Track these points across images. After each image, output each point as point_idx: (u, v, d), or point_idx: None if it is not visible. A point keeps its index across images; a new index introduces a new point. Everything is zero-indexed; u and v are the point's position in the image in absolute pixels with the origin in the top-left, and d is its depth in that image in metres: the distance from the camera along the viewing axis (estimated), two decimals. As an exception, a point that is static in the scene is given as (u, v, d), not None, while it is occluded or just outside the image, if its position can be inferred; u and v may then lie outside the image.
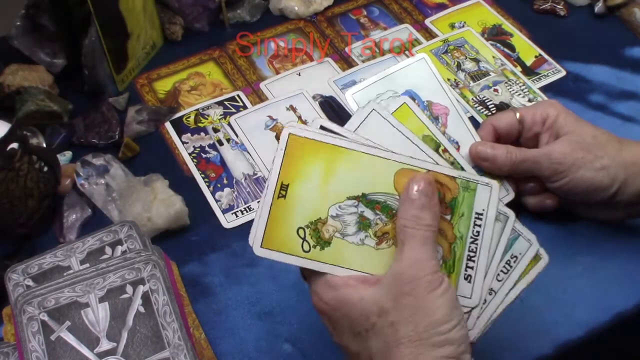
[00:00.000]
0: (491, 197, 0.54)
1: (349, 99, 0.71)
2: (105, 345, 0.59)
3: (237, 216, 0.76)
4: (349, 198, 0.52)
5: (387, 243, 0.52)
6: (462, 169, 0.59)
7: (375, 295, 0.50)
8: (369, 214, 0.52)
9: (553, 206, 0.70)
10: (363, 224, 0.52)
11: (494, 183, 0.54)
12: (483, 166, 0.70)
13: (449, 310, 0.49)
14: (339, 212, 0.52)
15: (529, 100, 0.85)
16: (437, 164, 0.55)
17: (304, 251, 0.51)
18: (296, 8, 0.98)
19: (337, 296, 0.51)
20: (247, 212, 0.76)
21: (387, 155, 0.53)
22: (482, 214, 0.54)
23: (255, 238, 0.51)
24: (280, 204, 0.52)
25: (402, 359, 0.48)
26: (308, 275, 0.54)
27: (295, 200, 0.52)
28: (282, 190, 0.52)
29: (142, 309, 0.61)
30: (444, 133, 0.71)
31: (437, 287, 0.49)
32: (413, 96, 0.72)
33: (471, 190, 0.54)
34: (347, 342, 0.52)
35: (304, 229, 0.51)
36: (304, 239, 0.51)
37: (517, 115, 0.71)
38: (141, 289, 0.62)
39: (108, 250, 0.66)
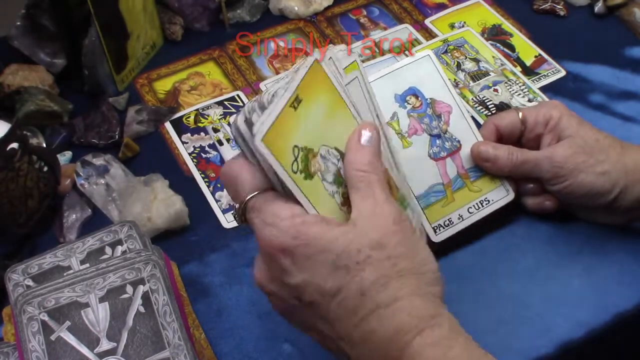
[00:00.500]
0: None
1: None
2: (105, 345, 0.59)
3: (237, 216, 0.76)
4: (336, 149, 0.52)
5: (348, 209, 0.51)
6: (378, 114, 0.58)
7: (360, 232, 0.48)
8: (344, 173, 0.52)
9: (552, 208, 0.70)
10: (338, 179, 0.52)
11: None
12: (484, 167, 0.70)
13: (428, 251, 0.51)
14: (326, 155, 0.51)
15: (529, 100, 0.85)
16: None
17: (292, 171, 0.49)
18: (296, 8, 0.98)
19: (314, 229, 0.48)
20: (247, 212, 0.76)
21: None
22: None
23: (259, 130, 0.47)
24: (290, 112, 0.49)
25: (404, 289, 0.48)
26: (263, 207, 0.49)
27: (302, 118, 0.50)
28: (296, 102, 0.50)
29: (142, 309, 0.61)
30: (445, 132, 0.71)
31: (414, 229, 0.51)
32: (416, 93, 0.72)
33: (402, 207, 0.56)
34: (320, 279, 0.48)
35: (298, 149, 0.49)
36: (295, 159, 0.49)
37: (520, 115, 0.70)
38: (141, 289, 0.62)
39: (108, 250, 0.66)
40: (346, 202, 0.51)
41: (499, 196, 0.71)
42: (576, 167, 0.65)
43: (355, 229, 0.49)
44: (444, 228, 0.69)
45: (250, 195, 0.49)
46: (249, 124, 0.48)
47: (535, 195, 0.71)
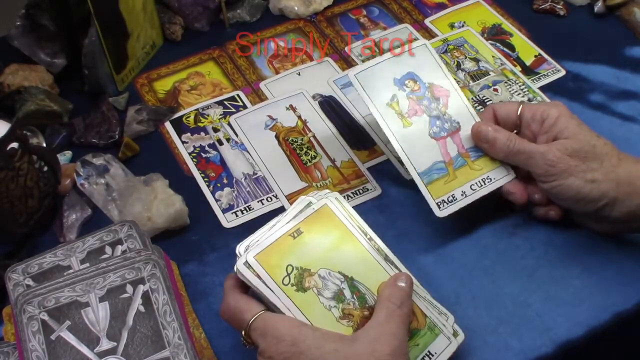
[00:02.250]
0: (448, 348, 0.60)
1: (352, 79, 0.72)
2: (105, 344, 0.59)
3: (237, 216, 0.76)
4: (340, 273, 0.60)
5: (348, 322, 0.58)
6: (387, 255, 0.63)
7: (355, 353, 0.53)
8: (347, 293, 0.59)
9: (556, 217, 0.70)
10: (339, 297, 0.59)
11: (455, 341, 0.61)
12: (482, 147, 0.71)
13: None
14: (326, 276, 0.59)
15: (529, 100, 0.85)
16: (419, 295, 0.62)
17: (283, 283, 0.58)
18: (296, 8, 0.98)
19: (310, 340, 0.54)
20: (247, 211, 0.76)
21: (385, 266, 0.62)
22: (433, 355, 0.60)
23: (252, 249, 0.58)
24: (288, 240, 0.60)
25: None
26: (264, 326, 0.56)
27: (300, 246, 0.60)
28: (296, 233, 0.61)
29: (142, 309, 0.61)
30: (444, 114, 0.73)
31: None
32: (415, 78, 0.74)
33: (434, 334, 0.61)
34: None
35: (292, 268, 0.59)
36: (288, 275, 0.58)
37: (520, 108, 0.70)
38: (141, 288, 0.62)
39: (108, 249, 0.66)
40: (345, 317, 0.58)
41: (500, 175, 0.71)
42: (567, 169, 0.65)
43: (353, 347, 0.54)
44: (447, 204, 0.69)
45: (251, 320, 0.56)
46: (246, 248, 0.60)
47: (542, 205, 0.71)
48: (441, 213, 0.69)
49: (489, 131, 0.70)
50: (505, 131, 0.70)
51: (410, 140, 0.71)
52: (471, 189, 0.70)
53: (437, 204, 0.69)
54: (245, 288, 0.59)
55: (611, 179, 0.64)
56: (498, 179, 0.71)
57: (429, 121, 0.72)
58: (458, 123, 0.73)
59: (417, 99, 0.73)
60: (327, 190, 0.66)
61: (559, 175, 0.66)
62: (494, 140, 0.69)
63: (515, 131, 0.71)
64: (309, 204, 0.63)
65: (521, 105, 0.71)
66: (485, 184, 0.71)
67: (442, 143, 0.72)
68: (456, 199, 0.69)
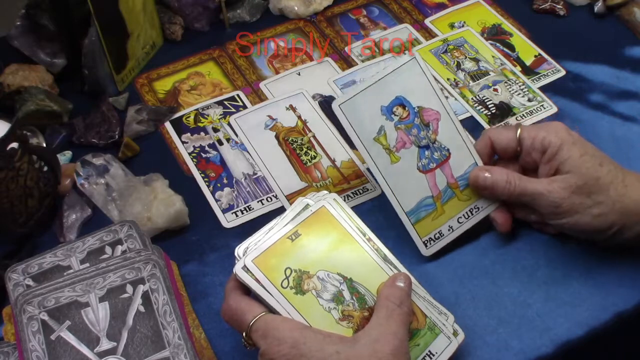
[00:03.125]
0: (448, 348, 0.61)
1: (336, 111, 0.68)
2: (105, 344, 0.59)
3: (237, 216, 0.76)
4: (339, 274, 0.60)
5: (347, 323, 0.58)
6: (386, 255, 0.63)
7: (357, 353, 0.53)
8: (346, 294, 0.59)
9: (554, 232, 0.70)
10: (338, 298, 0.59)
11: (455, 340, 0.61)
12: (482, 194, 0.70)
13: None
14: (325, 278, 0.60)
15: (529, 100, 0.85)
16: (419, 295, 0.62)
17: (282, 286, 0.58)
18: (296, 8, 0.98)
19: (312, 342, 0.54)
20: (247, 211, 0.76)
21: (384, 267, 0.62)
22: (434, 355, 0.60)
23: (250, 253, 0.59)
24: (286, 242, 0.60)
25: None
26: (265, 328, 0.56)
27: (298, 248, 0.60)
28: (294, 235, 0.61)
29: (142, 309, 0.61)
30: (434, 141, 0.71)
31: None
32: (403, 103, 0.71)
33: (434, 333, 0.61)
34: None
35: (291, 271, 0.59)
36: (286, 278, 0.58)
37: (518, 133, 0.68)
38: (141, 288, 0.62)
39: (108, 249, 0.66)
40: (345, 318, 0.58)
41: (487, 202, 0.71)
42: (572, 207, 0.64)
43: (354, 348, 0.54)
44: (434, 241, 0.69)
45: (252, 321, 0.56)
46: (244, 250, 0.60)
47: (538, 223, 0.71)
48: (428, 252, 0.69)
49: (486, 178, 0.68)
50: (502, 172, 0.68)
51: (398, 176, 0.69)
52: (458, 222, 0.70)
53: (423, 242, 0.69)
54: (247, 289, 0.59)
55: (618, 209, 0.63)
56: (485, 207, 0.71)
57: (418, 153, 0.70)
58: (448, 150, 0.71)
59: (406, 128, 0.70)
60: (326, 192, 0.65)
61: (565, 214, 0.64)
62: (492, 186, 0.68)
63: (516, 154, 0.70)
64: (307, 206, 0.63)
65: (519, 131, 0.68)
66: (472, 214, 0.71)
67: (430, 176, 0.70)
68: (443, 235, 0.70)
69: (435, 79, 0.77)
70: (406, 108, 0.71)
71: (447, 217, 0.70)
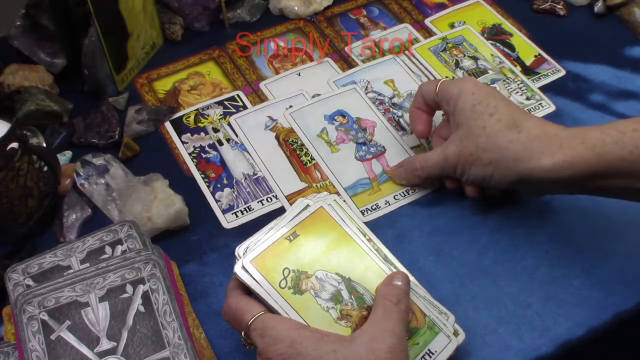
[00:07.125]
0: (448, 347, 0.61)
1: (287, 117, 0.83)
2: (105, 344, 0.60)
3: (237, 216, 0.76)
4: (337, 274, 0.61)
5: (345, 322, 0.59)
6: (386, 255, 0.64)
7: (354, 352, 0.53)
8: (345, 294, 0.60)
9: (474, 195, 0.71)
10: (337, 298, 0.59)
11: (454, 339, 0.61)
12: (414, 183, 0.76)
13: None
14: (324, 277, 0.60)
15: (527, 98, 0.85)
16: (419, 295, 0.63)
17: (280, 286, 0.58)
18: (296, 8, 0.98)
19: (309, 342, 0.54)
20: (247, 212, 0.76)
21: (384, 267, 0.62)
22: (433, 354, 0.60)
23: (249, 253, 0.59)
24: (284, 243, 0.61)
25: None
26: (263, 327, 0.56)
27: (297, 248, 0.61)
28: (292, 236, 0.62)
29: (142, 309, 0.61)
30: (370, 141, 0.81)
31: None
32: (343, 114, 0.83)
33: (433, 332, 0.61)
34: None
35: (289, 271, 0.60)
36: (284, 278, 0.59)
37: (437, 87, 0.71)
38: (141, 288, 0.62)
39: (108, 249, 0.66)
40: (343, 317, 0.59)
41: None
42: (466, 162, 0.67)
43: (351, 346, 0.54)
44: (371, 211, 0.75)
45: (251, 320, 0.56)
46: (244, 250, 0.61)
47: (459, 187, 0.73)
48: (364, 218, 0.74)
49: (400, 174, 0.75)
50: (410, 162, 0.74)
51: (338, 162, 0.79)
52: (394, 198, 0.76)
53: (361, 211, 0.74)
54: (248, 289, 0.59)
55: (509, 156, 0.64)
56: (422, 187, 0.76)
57: (356, 147, 0.80)
58: (383, 147, 0.80)
59: (345, 130, 0.82)
60: (325, 193, 0.67)
61: (463, 169, 0.68)
62: (408, 180, 0.75)
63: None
64: (306, 207, 0.63)
65: (439, 84, 0.71)
66: (409, 193, 0.76)
67: (367, 163, 0.79)
68: (379, 207, 0.75)
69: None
70: (345, 117, 0.83)
71: (383, 194, 0.76)
